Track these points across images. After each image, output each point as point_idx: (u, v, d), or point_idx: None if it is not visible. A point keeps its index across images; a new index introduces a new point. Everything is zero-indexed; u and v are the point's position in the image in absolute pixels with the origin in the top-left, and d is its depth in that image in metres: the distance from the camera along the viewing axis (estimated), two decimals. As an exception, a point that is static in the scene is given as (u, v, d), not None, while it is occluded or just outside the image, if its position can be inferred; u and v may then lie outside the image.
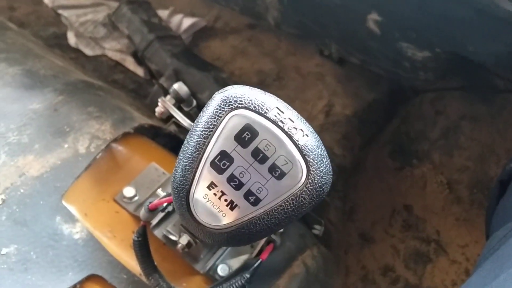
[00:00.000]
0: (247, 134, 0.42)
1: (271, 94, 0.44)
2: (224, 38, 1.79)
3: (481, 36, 1.10)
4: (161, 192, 0.84)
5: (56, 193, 0.87)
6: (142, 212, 0.77)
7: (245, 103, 0.42)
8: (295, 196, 0.41)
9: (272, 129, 0.42)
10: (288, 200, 0.40)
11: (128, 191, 0.90)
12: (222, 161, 0.41)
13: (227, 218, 0.41)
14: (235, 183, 0.41)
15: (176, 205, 0.43)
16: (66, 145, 0.93)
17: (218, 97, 0.44)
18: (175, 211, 0.86)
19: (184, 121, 0.87)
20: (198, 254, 0.84)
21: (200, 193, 0.41)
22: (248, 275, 0.79)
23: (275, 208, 0.40)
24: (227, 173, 0.41)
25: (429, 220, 1.52)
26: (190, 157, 0.42)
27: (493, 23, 1.02)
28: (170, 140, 1.05)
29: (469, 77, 1.67)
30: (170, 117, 0.94)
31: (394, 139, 1.66)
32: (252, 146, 0.42)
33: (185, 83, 1.47)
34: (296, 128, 0.42)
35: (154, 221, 0.85)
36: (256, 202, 0.40)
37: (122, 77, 1.66)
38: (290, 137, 0.42)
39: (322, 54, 1.67)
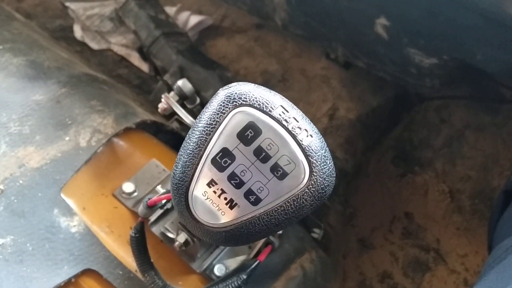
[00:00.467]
0: (250, 132, 0.41)
1: (276, 93, 0.43)
2: (230, 37, 1.78)
3: (489, 44, 1.10)
4: (160, 189, 0.84)
5: (55, 185, 0.86)
6: (140, 208, 0.76)
7: (249, 100, 0.41)
8: (297, 197, 0.40)
9: (276, 128, 0.41)
10: (289, 201, 0.40)
11: (128, 187, 0.89)
12: (223, 159, 0.41)
13: (226, 216, 0.40)
14: (236, 181, 0.40)
15: (174, 202, 0.42)
16: (67, 138, 0.92)
17: (222, 94, 0.43)
18: (173, 209, 0.85)
19: (187, 118, 0.87)
20: (195, 253, 0.84)
21: (200, 190, 0.40)
22: (244, 276, 0.78)
23: (276, 209, 0.40)
24: (228, 171, 0.40)
25: (429, 229, 1.51)
26: (191, 153, 0.41)
27: (502, 32, 1.01)
28: (172, 137, 1.05)
29: (476, 86, 1.66)
30: (173, 113, 0.94)
31: (397, 146, 1.65)
32: (254, 145, 0.41)
33: (189, 80, 1.46)
34: (300, 128, 0.41)
35: (152, 218, 0.84)
36: (257, 201, 0.40)
37: (126, 72, 1.66)
38: (294, 136, 0.41)
39: (328, 57, 1.66)
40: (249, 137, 0.41)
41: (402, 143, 1.66)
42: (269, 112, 0.41)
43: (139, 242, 0.76)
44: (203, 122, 0.42)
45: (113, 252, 0.82)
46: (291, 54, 1.73)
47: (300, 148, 0.41)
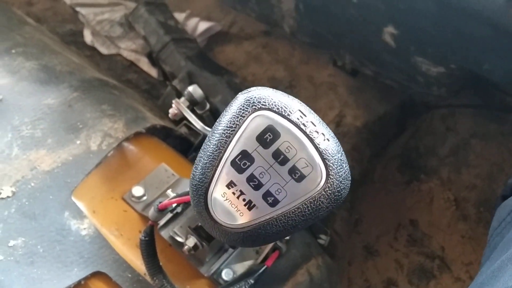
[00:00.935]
0: (269, 135, 0.42)
1: (294, 97, 0.44)
2: (238, 43, 1.79)
3: (496, 54, 1.10)
4: (171, 193, 0.85)
5: (66, 188, 0.88)
6: (151, 212, 0.77)
7: (268, 104, 0.42)
8: (314, 199, 0.41)
9: (294, 131, 0.42)
10: (306, 203, 0.41)
11: (137, 191, 0.90)
12: (242, 161, 0.42)
13: (244, 217, 0.41)
14: (255, 183, 0.41)
15: (193, 203, 0.43)
16: (78, 142, 0.93)
17: (241, 97, 0.44)
18: (183, 213, 0.86)
19: (197, 123, 0.88)
20: (203, 257, 0.84)
21: (219, 191, 0.41)
22: (252, 281, 0.79)
23: (293, 210, 0.40)
24: (247, 173, 0.41)
25: (434, 236, 1.51)
26: (211, 155, 0.42)
27: (510, 42, 1.02)
28: (180, 142, 1.06)
29: (482, 95, 1.66)
30: (182, 119, 0.95)
31: (403, 153, 1.66)
32: (273, 148, 0.42)
33: (198, 86, 1.48)
34: (317, 132, 0.42)
35: (162, 222, 0.85)
36: (275, 203, 0.40)
37: (135, 77, 1.67)
38: (311, 140, 0.42)
39: (336, 64, 1.67)
40: (268, 140, 0.42)
41: (408, 151, 1.66)
42: (288, 116, 0.42)
43: (149, 246, 0.76)
44: (223, 125, 0.43)
45: (122, 255, 0.83)
46: (298, 61, 1.74)
47: (317, 151, 0.42)
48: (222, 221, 0.41)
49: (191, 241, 0.79)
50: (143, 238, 0.76)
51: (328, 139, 0.43)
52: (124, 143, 0.95)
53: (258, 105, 0.43)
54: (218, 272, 0.85)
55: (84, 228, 0.84)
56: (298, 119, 0.42)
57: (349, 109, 1.59)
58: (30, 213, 0.84)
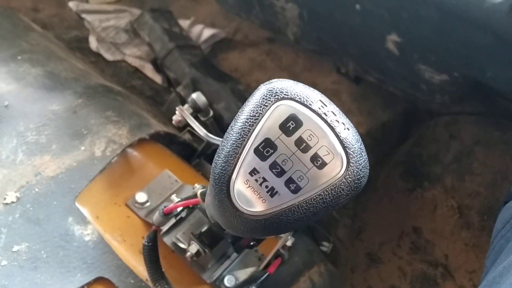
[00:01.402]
0: (292, 124, 0.43)
1: (314, 89, 0.45)
2: (242, 50, 1.80)
3: (500, 62, 1.11)
4: (175, 198, 0.85)
5: (70, 194, 0.88)
6: (155, 216, 0.77)
7: (290, 94, 0.44)
8: (334, 186, 0.42)
9: (316, 120, 0.43)
10: (328, 190, 0.41)
11: (140, 197, 0.91)
12: (265, 148, 0.42)
13: (266, 204, 0.41)
14: (277, 170, 0.42)
15: (215, 191, 0.43)
16: (82, 148, 0.94)
17: (264, 88, 0.45)
18: (186, 219, 0.87)
19: (200, 130, 0.88)
20: (206, 263, 0.85)
21: (242, 179, 0.42)
22: (254, 288, 0.80)
23: (314, 197, 0.41)
24: (269, 160, 0.42)
25: (437, 244, 1.51)
26: (234, 143, 0.43)
27: (513, 50, 1.02)
28: (184, 148, 1.06)
29: (485, 102, 1.66)
30: (186, 125, 0.95)
31: (406, 160, 1.66)
32: (296, 135, 0.43)
33: (202, 92, 1.48)
34: (338, 121, 0.43)
35: (165, 228, 0.85)
36: (297, 190, 0.41)
37: (140, 83, 1.68)
38: (332, 129, 0.43)
39: (339, 71, 1.67)
40: (290, 128, 0.43)
41: (411, 158, 1.66)
42: (310, 106, 0.43)
43: (152, 251, 0.77)
44: (246, 114, 0.44)
45: (125, 261, 0.83)
46: (302, 68, 1.74)
47: (338, 140, 0.43)
48: (244, 209, 0.42)
49: (193, 248, 0.80)
50: (146, 243, 0.77)
51: (348, 129, 0.44)
52: (128, 149, 0.96)
53: (281, 95, 0.44)
54: (221, 278, 0.85)
55: (88, 234, 0.85)
56: (319, 108, 0.43)
57: (353, 116, 1.60)
58: (34, 219, 0.85)
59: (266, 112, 0.43)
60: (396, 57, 1.26)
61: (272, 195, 0.41)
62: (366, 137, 1.57)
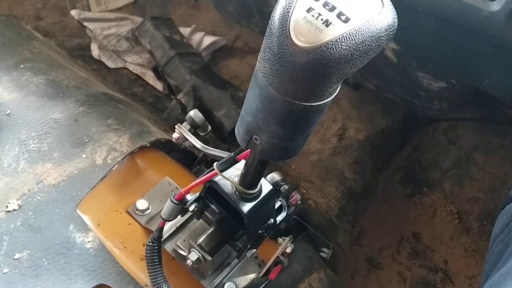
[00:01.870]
0: None
1: None
2: (242, 57, 1.82)
3: (497, 70, 1.11)
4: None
5: (71, 202, 0.89)
6: (165, 207, 0.77)
7: None
8: (375, 21, 0.45)
9: None
10: (370, 23, 0.45)
11: (141, 204, 0.91)
12: None
13: (323, 34, 0.44)
14: (329, 6, 0.45)
15: (276, 33, 0.47)
16: (84, 155, 0.95)
17: None
18: (186, 226, 0.88)
19: (198, 144, 0.91)
20: (206, 270, 0.86)
21: (300, 15, 0.45)
22: (254, 294, 0.80)
23: (359, 28, 0.44)
24: (322, 0, 0.45)
25: (437, 249, 1.51)
26: None
27: (510, 58, 1.03)
28: (184, 155, 1.07)
29: (484, 108, 1.67)
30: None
31: (405, 166, 1.67)
32: None
33: (202, 99, 1.50)
34: None
35: (165, 235, 0.86)
36: (347, 20, 0.44)
37: (141, 90, 1.69)
38: None
39: (338, 78, 1.68)
40: None
41: (410, 164, 1.67)
42: None
43: (155, 252, 0.77)
44: None
45: (126, 268, 0.84)
46: (301, 75, 1.75)
47: None
48: (302, 40, 0.45)
49: (193, 255, 0.80)
50: (150, 243, 0.77)
51: None
52: (129, 157, 0.97)
53: None
54: (221, 285, 0.86)
55: (89, 241, 0.86)
56: None
57: (352, 123, 1.60)
58: (36, 226, 0.86)
59: None
60: (394, 64, 1.27)
61: (327, 25, 0.44)
62: (365, 144, 1.58)
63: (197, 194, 0.79)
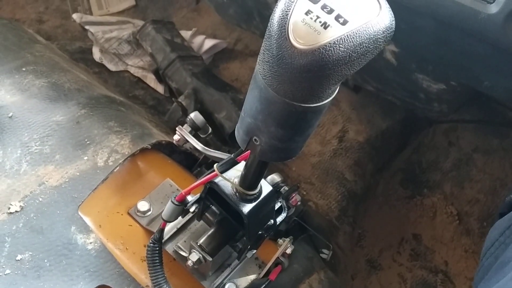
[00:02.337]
0: None
1: None
2: (243, 60, 1.82)
3: (496, 72, 1.11)
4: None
5: (73, 203, 0.89)
6: (166, 208, 0.78)
7: None
8: (372, 25, 0.45)
9: None
10: (368, 25, 0.45)
11: (142, 205, 0.92)
12: None
13: (321, 36, 0.45)
14: (327, 9, 0.46)
15: (275, 36, 0.47)
16: (85, 158, 0.96)
17: None
18: (187, 228, 0.89)
19: (198, 146, 0.91)
20: (206, 271, 0.86)
21: (299, 18, 0.46)
22: (255, 295, 0.81)
23: (357, 30, 0.45)
24: (320, 3, 0.46)
25: (437, 251, 1.52)
26: None
27: (510, 60, 1.03)
28: (185, 157, 1.08)
29: (484, 110, 1.67)
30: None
31: (406, 168, 1.67)
32: None
33: (203, 102, 1.51)
34: None
35: (166, 237, 0.87)
36: (345, 22, 0.45)
37: (142, 93, 1.70)
38: None
39: (338, 80, 1.68)
40: None
41: (410, 166, 1.67)
42: None
43: (156, 253, 0.78)
44: None
45: (127, 269, 0.84)
46: (302, 77, 1.76)
47: None
48: (300, 43, 0.45)
49: (194, 256, 0.81)
50: (151, 244, 0.78)
51: None
52: (130, 159, 0.97)
53: None
54: (221, 286, 0.86)
55: (90, 242, 0.86)
56: None
57: (352, 125, 1.61)
58: (38, 228, 0.86)
59: None
60: (394, 66, 1.28)
61: (325, 28, 0.45)
62: (366, 145, 1.58)
63: (198, 195, 0.79)
